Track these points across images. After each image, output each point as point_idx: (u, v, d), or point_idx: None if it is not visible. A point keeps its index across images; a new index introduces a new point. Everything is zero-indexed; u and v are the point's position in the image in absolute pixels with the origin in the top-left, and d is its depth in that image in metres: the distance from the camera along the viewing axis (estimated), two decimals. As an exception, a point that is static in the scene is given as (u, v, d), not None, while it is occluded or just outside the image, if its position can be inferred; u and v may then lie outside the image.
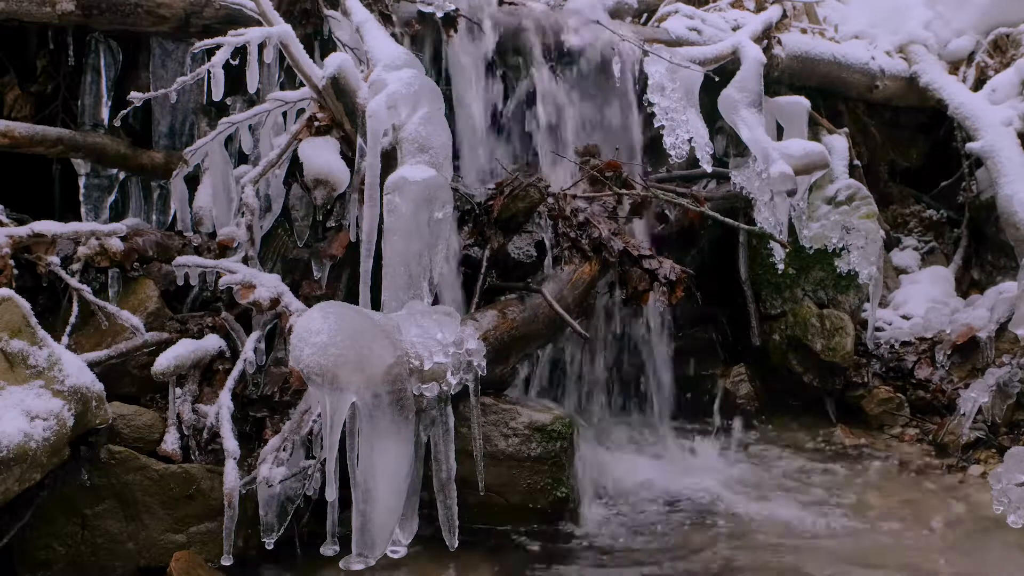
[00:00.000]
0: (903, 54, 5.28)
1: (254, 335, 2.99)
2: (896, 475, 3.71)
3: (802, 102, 4.47)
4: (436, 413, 2.65)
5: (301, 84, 3.21)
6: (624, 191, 3.75)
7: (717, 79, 4.10)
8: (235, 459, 2.68)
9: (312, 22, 3.48)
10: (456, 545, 2.65)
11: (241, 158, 3.52)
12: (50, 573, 2.59)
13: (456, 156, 3.55)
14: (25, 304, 2.47)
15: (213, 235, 3.32)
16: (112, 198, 3.68)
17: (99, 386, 2.56)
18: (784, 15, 4.87)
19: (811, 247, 4.40)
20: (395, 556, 2.64)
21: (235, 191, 3.33)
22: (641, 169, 4.06)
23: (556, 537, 3.04)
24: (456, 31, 3.76)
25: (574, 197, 3.66)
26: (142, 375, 2.91)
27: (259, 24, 3.09)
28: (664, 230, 4.02)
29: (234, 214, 3.33)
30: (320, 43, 3.53)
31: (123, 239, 3.14)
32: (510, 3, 4.04)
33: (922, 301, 4.65)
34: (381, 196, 2.70)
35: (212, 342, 3.00)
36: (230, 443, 2.72)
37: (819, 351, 4.27)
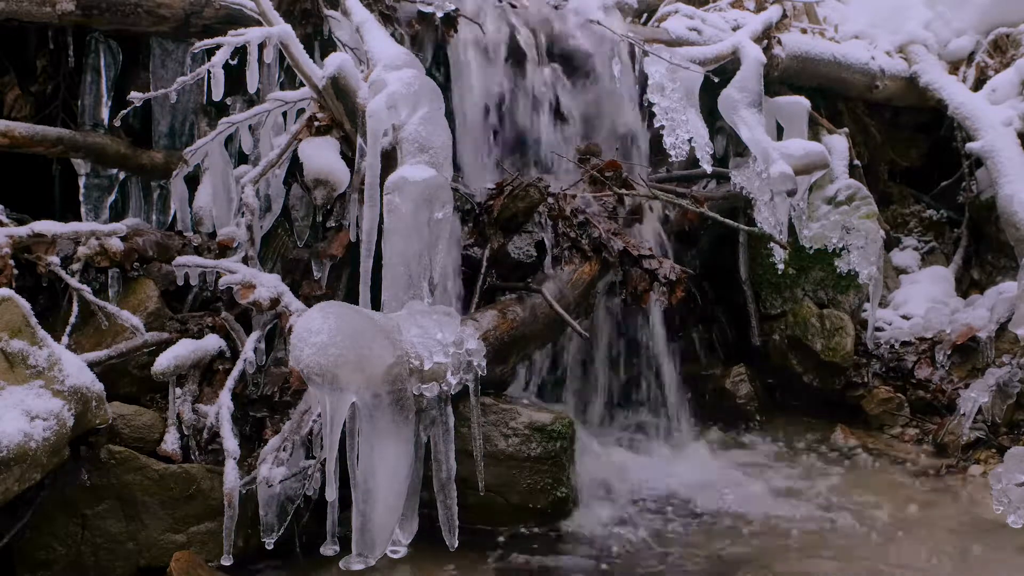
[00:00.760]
0: (903, 54, 5.28)
1: (254, 335, 2.99)
2: (896, 475, 3.71)
3: (802, 102, 4.47)
4: (436, 413, 2.65)
5: (301, 84, 3.21)
6: (624, 191, 3.75)
7: (717, 79, 4.11)
8: (235, 459, 2.68)
9: (312, 22, 3.48)
10: (456, 545, 2.65)
11: (241, 158, 3.51)
12: (50, 573, 2.59)
13: (456, 156, 3.55)
14: (25, 304, 2.48)
15: (213, 235, 3.33)
16: (112, 198, 3.68)
17: (99, 386, 2.56)
18: (784, 15, 4.87)
19: (811, 247, 4.41)
20: (395, 556, 2.65)
21: (235, 191, 3.34)
22: (642, 169, 4.07)
23: (556, 537, 3.03)
24: (456, 31, 3.77)
25: (574, 197, 3.66)
26: (142, 375, 2.91)
27: (259, 24, 3.09)
28: (665, 230, 4.03)
29: (234, 214, 3.33)
30: (320, 43, 3.53)
31: (123, 239, 3.14)
32: (511, 3, 4.04)
33: (922, 301, 4.65)
34: (381, 196, 2.70)
35: (212, 342, 3.00)
36: (230, 443, 2.72)
37: (819, 351, 4.27)
